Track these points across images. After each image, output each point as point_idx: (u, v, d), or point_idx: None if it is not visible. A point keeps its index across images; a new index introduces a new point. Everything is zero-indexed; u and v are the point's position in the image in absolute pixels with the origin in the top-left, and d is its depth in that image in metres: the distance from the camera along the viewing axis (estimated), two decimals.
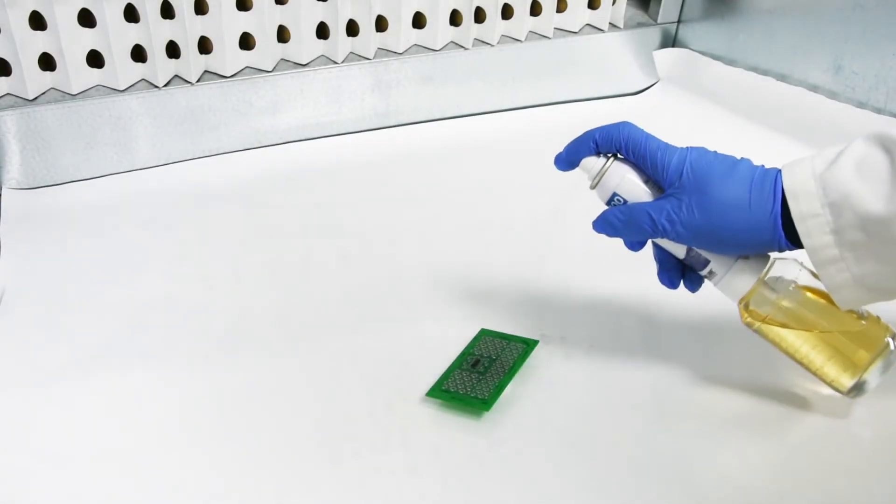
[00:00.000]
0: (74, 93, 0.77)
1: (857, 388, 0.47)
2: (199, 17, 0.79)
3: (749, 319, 0.48)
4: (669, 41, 1.03)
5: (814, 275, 0.46)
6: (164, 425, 0.50)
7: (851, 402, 0.50)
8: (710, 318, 0.58)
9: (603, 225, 0.49)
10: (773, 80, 0.89)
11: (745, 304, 0.48)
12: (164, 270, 0.66)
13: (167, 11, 0.77)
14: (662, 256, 0.50)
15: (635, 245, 0.50)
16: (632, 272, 0.64)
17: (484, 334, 0.56)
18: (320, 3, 0.84)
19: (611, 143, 0.49)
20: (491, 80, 0.94)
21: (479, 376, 0.52)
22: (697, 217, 0.45)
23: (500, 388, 0.51)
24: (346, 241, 0.70)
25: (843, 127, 0.81)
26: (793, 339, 0.48)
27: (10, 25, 0.72)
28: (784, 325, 0.48)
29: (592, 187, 0.50)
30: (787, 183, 0.44)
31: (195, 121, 0.82)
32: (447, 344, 0.56)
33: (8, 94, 0.76)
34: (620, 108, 0.97)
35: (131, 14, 0.77)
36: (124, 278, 0.64)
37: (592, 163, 0.49)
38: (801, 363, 0.49)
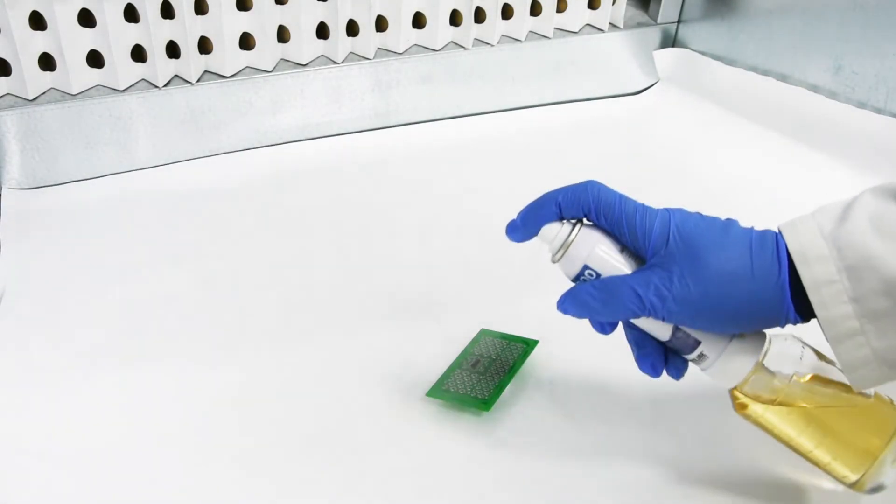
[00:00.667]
0: (74, 93, 0.77)
1: (870, 481, 0.40)
2: (199, 17, 0.79)
3: (746, 410, 0.42)
4: (669, 41, 1.03)
5: (817, 353, 0.41)
6: (164, 425, 0.50)
7: (858, 498, 0.43)
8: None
9: (574, 304, 0.41)
10: (773, 80, 0.89)
11: (739, 390, 0.41)
12: (164, 270, 0.66)
13: (167, 11, 0.77)
14: (640, 339, 0.43)
15: (606, 327, 0.43)
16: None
17: (484, 334, 0.56)
18: (320, 3, 0.84)
19: (577, 205, 0.41)
20: (491, 80, 0.94)
21: (479, 376, 0.52)
22: (692, 290, 0.39)
23: (500, 388, 0.51)
24: (346, 241, 0.70)
25: (843, 127, 0.81)
26: (795, 429, 0.41)
27: (10, 25, 0.72)
28: (786, 413, 0.41)
29: (555, 261, 0.43)
30: (794, 245, 0.38)
31: (195, 121, 0.82)
32: (447, 344, 0.56)
33: (8, 94, 0.76)
34: (620, 108, 0.97)
35: (131, 14, 0.77)
36: (124, 278, 0.64)
37: (555, 231, 0.42)
38: (805, 455, 0.42)
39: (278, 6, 0.82)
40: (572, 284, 0.43)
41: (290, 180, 0.80)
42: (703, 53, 0.99)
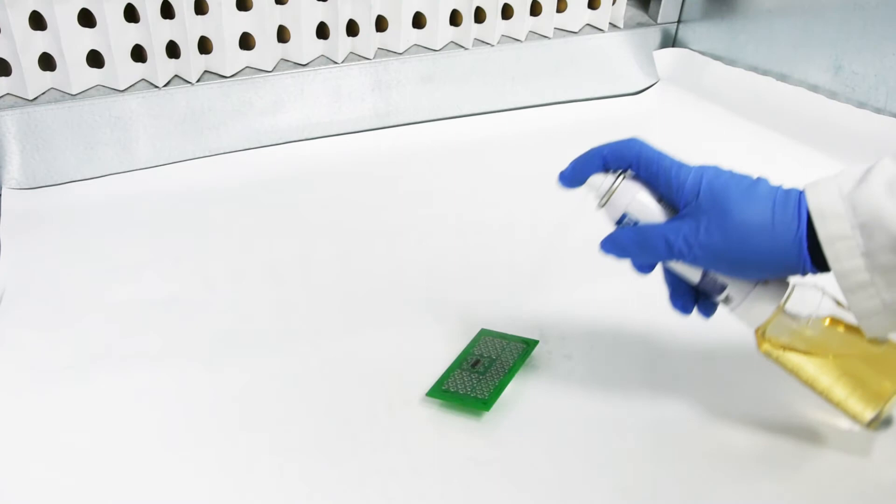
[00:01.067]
0: (74, 93, 0.77)
1: (880, 420, 0.45)
2: (199, 17, 0.79)
3: (767, 348, 0.46)
4: (669, 41, 1.03)
5: (837, 302, 0.45)
6: (164, 425, 0.50)
7: (872, 438, 0.48)
8: (712, 318, 0.58)
9: (612, 246, 0.46)
10: (773, 80, 0.89)
11: (762, 331, 0.46)
12: (164, 270, 0.66)
13: (167, 11, 0.77)
14: (674, 281, 0.48)
15: (645, 268, 0.47)
16: (632, 272, 0.65)
17: (484, 334, 0.56)
18: (320, 3, 0.84)
19: (621, 159, 0.46)
20: (491, 80, 0.94)
21: (479, 376, 0.52)
22: (717, 239, 0.43)
23: (500, 388, 0.51)
24: (346, 241, 0.70)
25: (843, 127, 0.81)
26: (813, 368, 0.46)
27: (10, 25, 0.72)
28: (804, 354, 0.45)
29: (600, 206, 0.47)
30: (813, 203, 0.41)
31: (195, 121, 0.82)
32: (447, 344, 0.56)
33: (8, 94, 0.76)
34: (620, 109, 0.97)
35: (131, 14, 0.77)
36: (124, 278, 0.64)
37: (601, 181, 0.47)
38: (821, 394, 0.46)
39: (278, 6, 0.82)
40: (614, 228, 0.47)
41: (289, 180, 0.80)
42: (703, 53, 0.99)
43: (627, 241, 0.46)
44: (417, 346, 0.56)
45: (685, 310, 0.48)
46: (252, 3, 0.80)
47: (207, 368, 0.55)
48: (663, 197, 0.45)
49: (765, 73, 0.91)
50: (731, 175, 0.44)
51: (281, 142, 0.86)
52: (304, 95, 0.86)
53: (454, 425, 0.50)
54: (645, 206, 0.46)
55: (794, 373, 0.47)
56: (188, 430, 0.50)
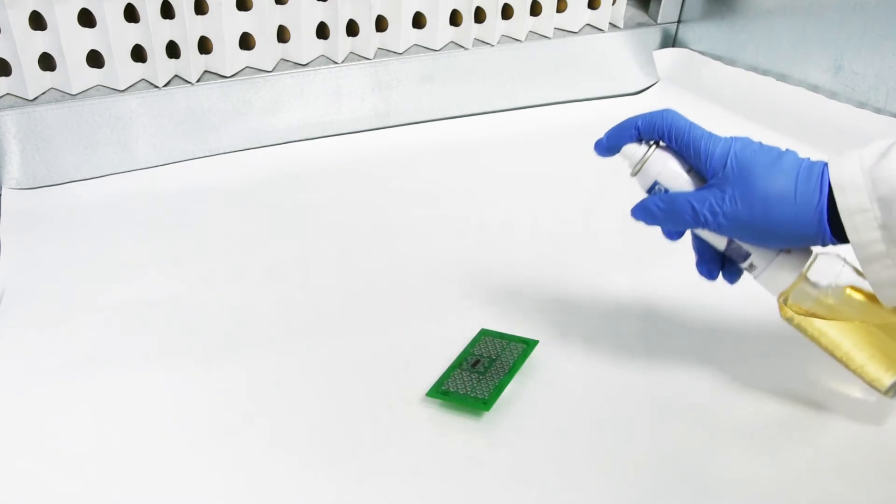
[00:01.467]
0: (74, 93, 0.77)
1: None
2: (199, 17, 0.79)
3: (789, 314, 0.47)
4: (669, 41, 1.03)
5: (857, 271, 0.46)
6: (164, 425, 0.50)
7: (886, 408, 0.49)
8: (712, 318, 0.58)
9: (642, 213, 0.48)
10: (773, 80, 0.89)
11: (784, 298, 0.47)
12: (164, 270, 0.66)
13: (167, 11, 0.77)
14: (701, 247, 0.50)
15: (673, 234, 0.49)
16: (633, 272, 0.65)
17: (484, 334, 0.56)
18: (320, 3, 0.84)
19: (653, 130, 0.48)
20: (491, 80, 0.94)
21: (479, 376, 0.52)
22: (740, 208, 0.44)
23: (500, 388, 0.51)
24: (346, 240, 0.70)
25: (843, 127, 0.81)
26: (833, 334, 0.47)
27: (10, 25, 0.72)
28: (825, 320, 0.46)
29: (633, 174, 0.49)
30: (835, 176, 0.43)
31: (195, 121, 0.82)
32: (447, 344, 0.56)
33: (8, 94, 0.76)
34: (620, 109, 0.97)
35: (131, 14, 0.77)
36: (124, 278, 0.64)
37: (634, 150, 0.49)
38: (840, 360, 0.48)
39: (278, 6, 0.82)
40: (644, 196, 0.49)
41: (289, 180, 0.80)
42: (703, 53, 0.99)
43: (656, 209, 0.47)
44: (417, 346, 0.56)
45: (710, 275, 0.50)
46: (252, 3, 0.80)
47: (207, 368, 0.55)
48: (693, 167, 0.47)
49: (765, 73, 0.91)
50: (759, 147, 0.45)
51: (281, 142, 0.86)
52: (304, 95, 0.86)
53: (454, 425, 0.50)
54: (674, 176, 0.47)
55: (814, 339, 0.48)
56: (188, 429, 0.50)
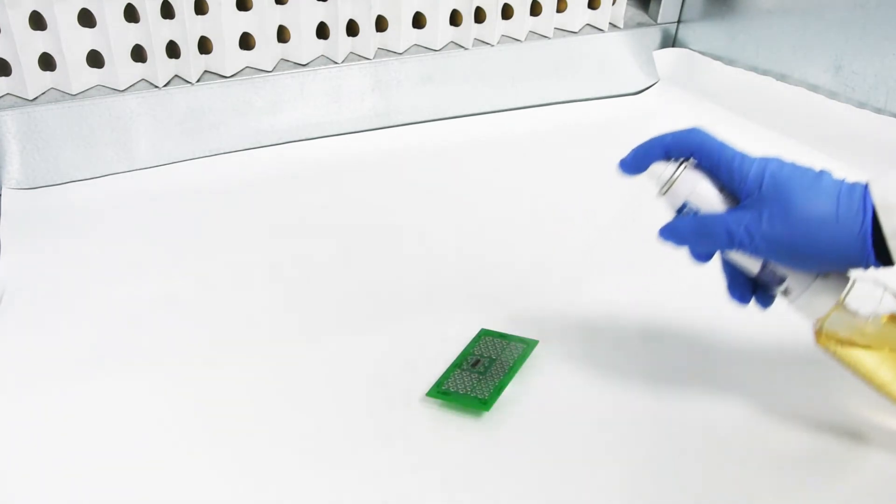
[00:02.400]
0: (74, 93, 0.77)
1: None
2: (199, 17, 0.79)
3: (825, 342, 0.45)
4: (669, 41, 1.03)
5: None
6: (164, 425, 0.50)
7: None
8: (712, 318, 0.58)
9: (671, 234, 0.46)
10: (773, 80, 0.89)
11: (820, 325, 0.45)
12: (164, 270, 0.66)
13: (167, 11, 0.77)
14: (732, 271, 0.48)
15: (703, 256, 0.47)
16: (633, 272, 0.65)
17: (484, 334, 0.56)
18: (320, 3, 0.84)
19: (682, 148, 0.46)
20: (491, 80, 0.94)
21: (479, 376, 0.52)
22: (779, 230, 0.43)
23: (500, 388, 0.51)
24: (346, 240, 0.70)
25: (843, 127, 0.81)
26: (872, 363, 0.45)
27: (10, 25, 0.72)
28: (863, 349, 0.45)
29: (662, 194, 0.47)
30: (878, 196, 0.41)
31: (195, 121, 0.82)
32: (447, 344, 0.56)
33: (8, 94, 0.76)
34: (620, 109, 0.97)
35: (131, 14, 0.77)
36: (124, 278, 0.64)
37: (662, 169, 0.47)
38: (879, 389, 0.46)
39: (278, 6, 0.82)
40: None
41: (289, 180, 0.80)
42: (703, 53, 0.99)
43: (687, 231, 0.46)
44: (417, 346, 0.56)
45: (743, 300, 0.48)
46: (252, 3, 0.81)
47: (207, 368, 0.55)
48: (724, 187, 0.46)
49: (765, 73, 0.91)
50: (795, 167, 0.44)
51: (281, 142, 0.86)
52: (303, 95, 0.86)
53: (454, 425, 0.50)
54: (706, 196, 0.46)
55: (851, 367, 0.46)
56: (188, 429, 0.50)
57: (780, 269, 0.45)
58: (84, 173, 0.79)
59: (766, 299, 0.48)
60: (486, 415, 0.50)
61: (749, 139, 0.91)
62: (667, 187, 0.47)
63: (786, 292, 0.46)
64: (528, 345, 0.55)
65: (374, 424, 0.50)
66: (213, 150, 0.84)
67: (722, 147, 0.46)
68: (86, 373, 0.54)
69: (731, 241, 0.44)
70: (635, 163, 0.47)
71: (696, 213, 0.46)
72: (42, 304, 0.61)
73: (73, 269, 0.65)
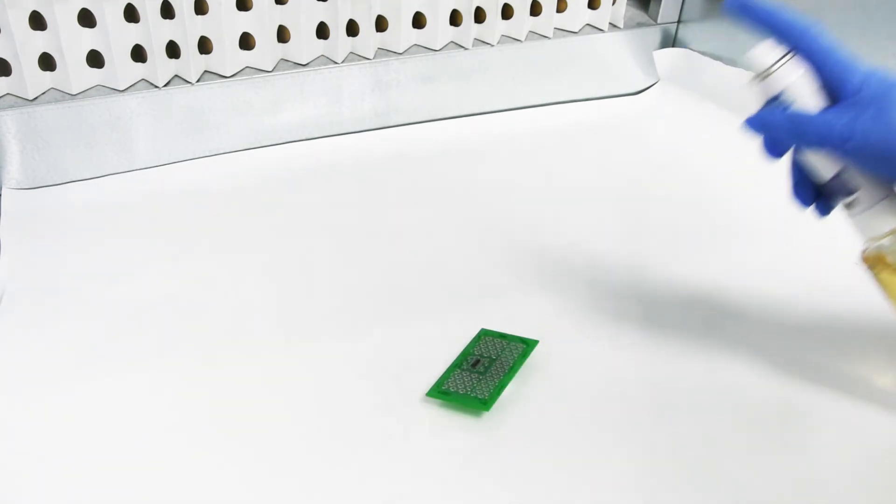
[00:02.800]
0: (74, 93, 0.77)
1: None
2: (199, 17, 0.79)
3: (871, 262, 0.45)
4: (669, 41, 1.03)
5: None
6: (164, 425, 0.50)
7: None
8: (713, 319, 0.58)
9: (760, 125, 0.46)
10: None
11: (873, 245, 0.45)
12: (164, 270, 0.66)
13: (167, 11, 0.77)
14: (800, 174, 0.48)
15: (776, 151, 0.47)
16: (633, 272, 0.65)
17: (484, 334, 0.56)
18: (320, 3, 0.84)
19: (793, 37, 0.46)
20: (491, 80, 0.94)
21: (479, 376, 0.52)
22: (879, 131, 0.42)
23: (500, 388, 0.51)
24: (346, 241, 0.70)
25: None
26: None
27: (10, 25, 0.72)
28: None
29: (760, 80, 0.46)
30: None
31: (195, 121, 0.82)
32: (447, 344, 0.56)
33: (8, 94, 0.76)
34: (620, 109, 0.97)
35: (131, 14, 0.77)
36: (124, 278, 0.64)
37: (767, 52, 0.46)
38: None
39: (278, 6, 0.82)
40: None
41: (289, 180, 0.80)
42: (703, 53, 0.99)
43: (778, 122, 0.45)
44: (417, 346, 0.56)
45: (806, 202, 0.48)
46: (252, 3, 0.81)
47: (207, 368, 0.55)
48: (825, 85, 0.45)
49: None
50: None
51: (281, 142, 0.86)
52: (304, 95, 0.86)
53: (454, 425, 0.50)
54: (805, 90, 0.45)
55: (891, 294, 0.46)
56: (187, 429, 0.50)
57: (856, 179, 0.44)
58: (84, 173, 0.79)
59: (825, 208, 0.48)
60: (486, 415, 0.50)
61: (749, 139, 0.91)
62: (767, 74, 0.45)
63: (850, 205, 0.45)
64: (528, 345, 0.55)
65: (373, 424, 0.50)
66: (213, 150, 0.84)
67: (831, 47, 0.45)
68: (86, 373, 0.54)
69: (825, 138, 0.43)
70: (750, 14, 0.48)
71: (786, 108, 0.45)
72: (42, 304, 0.61)
73: (73, 269, 0.65)
